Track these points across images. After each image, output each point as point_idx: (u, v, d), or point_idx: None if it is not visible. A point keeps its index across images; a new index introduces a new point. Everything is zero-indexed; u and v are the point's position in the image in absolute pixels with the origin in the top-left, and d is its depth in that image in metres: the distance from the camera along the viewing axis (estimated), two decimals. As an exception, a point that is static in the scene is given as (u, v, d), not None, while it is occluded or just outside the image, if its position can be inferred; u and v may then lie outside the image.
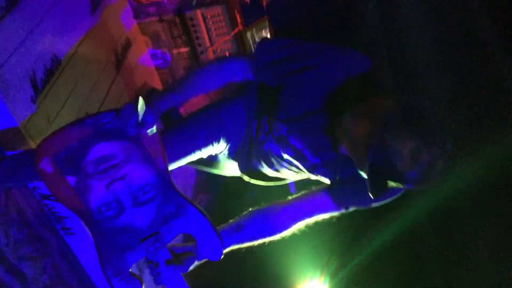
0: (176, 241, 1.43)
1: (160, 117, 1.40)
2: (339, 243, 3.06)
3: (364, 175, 1.30)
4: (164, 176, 1.36)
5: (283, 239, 1.64)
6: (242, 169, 1.76)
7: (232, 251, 1.53)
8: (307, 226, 1.61)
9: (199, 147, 1.63)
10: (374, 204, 1.49)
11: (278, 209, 1.60)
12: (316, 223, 1.60)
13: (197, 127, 1.63)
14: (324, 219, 1.59)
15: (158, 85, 2.94)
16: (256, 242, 1.60)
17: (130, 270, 1.36)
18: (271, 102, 1.55)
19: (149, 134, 1.33)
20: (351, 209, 1.54)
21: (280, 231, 1.59)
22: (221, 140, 1.65)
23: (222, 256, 1.44)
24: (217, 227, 1.44)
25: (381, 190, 1.29)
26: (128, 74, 2.53)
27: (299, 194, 1.63)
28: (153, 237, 1.36)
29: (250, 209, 1.63)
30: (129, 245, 1.36)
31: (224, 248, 1.48)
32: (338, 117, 1.40)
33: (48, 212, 1.80)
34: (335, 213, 1.56)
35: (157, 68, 3.01)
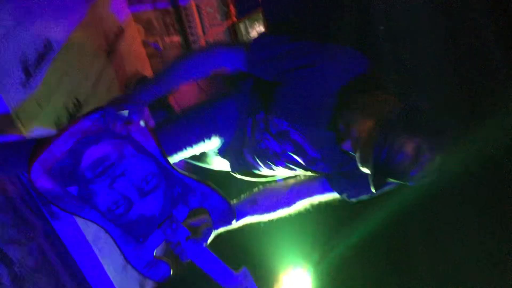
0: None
1: (148, 108, 1.42)
2: (323, 233, 3.09)
3: (366, 171, 1.34)
4: (162, 162, 1.38)
5: (267, 227, 1.73)
6: (233, 166, 1.79)
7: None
8: (291, 215, 1.70)
9: (191, 145, 1.65)
10: (373, 194, 1.54)
11: (287, 187, 1.70)
12: (300, 213, 1.70)
13: (190, 126, 1.65)
14: (311, 206, 1.69)
15: (149, 73, 2.94)
16: (266, 217, 1.70)
17: (154, 254, 1.42)
18: (268, 98, 1.57)
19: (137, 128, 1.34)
20: (353, 198, 1.62)
21: (287, 206, 1.69)
22: (213, 138, 1.67)
23: (235, 220, 1.56)
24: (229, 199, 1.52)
25: (383, 185, 1.34)
26: (119, 61, 2.53)
27: (302, 178, 1.71)
28: (168, 220, 1.41)
29: (262, 186, 1.74)
30: (147, 234, 1.41)
31: (236, 213, 1.58)
32: (341, 114, 1.42)
33: (35, 195, 1.82)
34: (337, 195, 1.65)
35: (149, 56, 3.01)
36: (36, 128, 1.73)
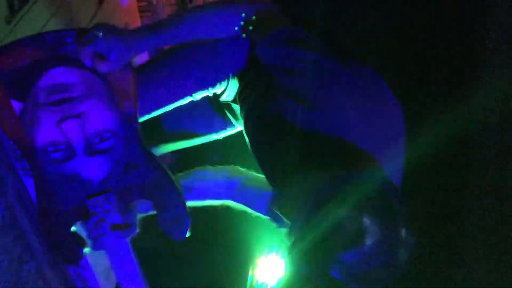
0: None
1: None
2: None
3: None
4: (130, 124, 1.14)
5: (239, 212, 1.53)
6: None
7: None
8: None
9: (187, 93, 1.32)
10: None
11: (228, 177, 1.43)
12: None
13: (186, 64, 1.30)
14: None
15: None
16: (202, 203, 1.43)
17: (72, 229, 1.16)
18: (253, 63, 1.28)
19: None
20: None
21: (222, 198, 1.43)
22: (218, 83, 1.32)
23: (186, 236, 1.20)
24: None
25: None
26: (110, 12, 2.34)
27: (252, 177, 1.44)
28: (104, 196, 1.14)
29: (197, 168, 1.44)
30: (74, 199, 1.14)
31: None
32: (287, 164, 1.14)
33: (9, 148, 1.63)
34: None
35: (140, 11, 2.83)
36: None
